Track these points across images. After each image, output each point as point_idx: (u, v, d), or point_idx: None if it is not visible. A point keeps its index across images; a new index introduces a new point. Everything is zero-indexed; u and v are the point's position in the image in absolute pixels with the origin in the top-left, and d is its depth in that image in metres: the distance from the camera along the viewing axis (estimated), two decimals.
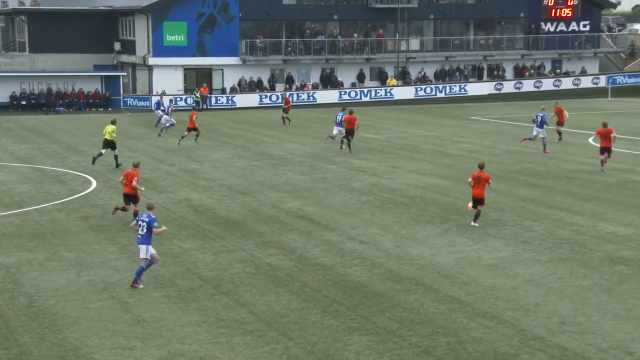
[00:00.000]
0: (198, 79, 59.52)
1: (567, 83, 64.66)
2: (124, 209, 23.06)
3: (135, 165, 23.15)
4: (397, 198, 26.24)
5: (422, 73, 63.60)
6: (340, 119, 36.22)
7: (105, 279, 17.96)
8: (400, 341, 14.26)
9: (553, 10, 67.04)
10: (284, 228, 22.40)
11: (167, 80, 58.32)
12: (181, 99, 57.12)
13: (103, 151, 32.77)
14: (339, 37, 62.18)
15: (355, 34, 62.82)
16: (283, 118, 47.29)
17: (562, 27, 67.32)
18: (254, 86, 59.94)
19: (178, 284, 17.54)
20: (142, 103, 57.62)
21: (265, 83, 60.43)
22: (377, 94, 60.80)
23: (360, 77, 62.40)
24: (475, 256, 19.49)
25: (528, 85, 63.94)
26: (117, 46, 62.49)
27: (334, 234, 21.69)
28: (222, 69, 59.89)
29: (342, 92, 59.41)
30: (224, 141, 40.47)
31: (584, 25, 67.63)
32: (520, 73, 65.88)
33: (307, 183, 28.91)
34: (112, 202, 25.95)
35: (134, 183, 22.44)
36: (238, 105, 57.74)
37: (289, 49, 60.92)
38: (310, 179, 29.83)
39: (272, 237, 21.47)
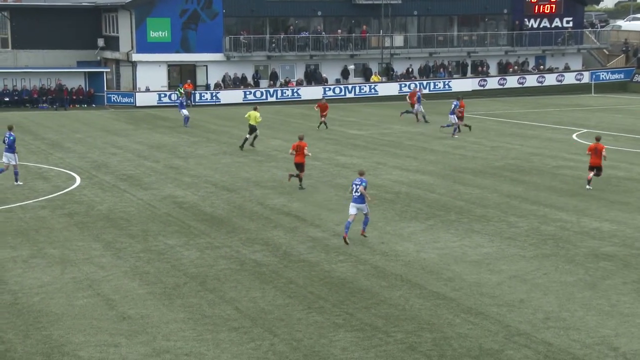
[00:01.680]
0: (182, 75, 59.33)
1: (550, 79, 64.92)
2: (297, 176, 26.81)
3: (301, 138, 27.47)
4: (382, 194, 26.25)
5: (410, 69, 63.60)
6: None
7: (90, 275, 17.88)
8: (386, 337, 14.27)
9: (536, 7, 67.26)
10: (269, 224, 22.37)
11: (151, 76, 58.11)
12: (165, 95, 56.94)
13: (248, 136, 35.83)
14: (323, 33, 62.14)
15: (339, 30, 62.77)
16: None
17: (545, 23, 67.56)
18: (238, 82, 59.81)
19: (163, 280, 17.49)
20: (126, 99, 57.38)
21: (250, 79, 60.31)
22: (362, 90, 60.82)
23: (345, 74, 62.38)
24: (460, 252, 19.54)
25: (512, 82, 64.13)
26: (100, 42, 62.18)
27: (319, 231, 21.69)
28: (206, 66, 59.71)
29: (327, 89, 59.37)
30: (209, 137, 40.38)
31: (567, 22, 67.89)
32: (504, 69, 66.06)
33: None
34: (96, 198, 25.84)
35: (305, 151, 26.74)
36: (222, 102, 57.61)
37: (273, 45, 60.82)
38: None
39: (257, 233, 21.44)
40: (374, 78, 62.37)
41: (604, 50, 69.82)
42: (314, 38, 61.65)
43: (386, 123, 45.81)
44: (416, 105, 45.70)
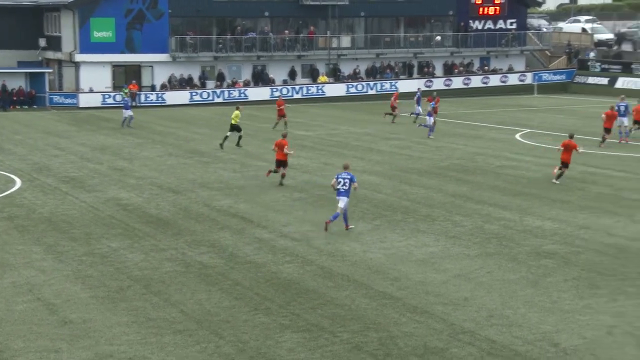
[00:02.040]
0: (127, 76, 58.67)
1: (495, 80, 65.74)
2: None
3: (284, 136, 28.04)
4: (329, 195, 26.27)
5: (357, 70, 63.83)
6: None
7: (30, 280, 17.56)
8: (332, 337, 14.29)
9: (481, 9, 68.07)
10: (215, 226, 22.24)
11: (95, 77, 57.33)
12: (110, 96, 56.26)
13: (228, 134, 36.29)
14: (271, 34, 62.03)
15: (287, 31, 62.75)
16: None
17: (489, 25, 68.40)
18: (185, 83, 59.38)
19: (107, 284, 17.26)
20: (68, 100, 56.54)
21: (196, 80, 59.91)
22: (309, 91, 60.87)
23: (292, 74, 62.36)
24: (406, 252, 19.66)
25: (457, 82, 64.80)
26: (42, 42, 61.19)
27: (265, 232, 21.63)
28: (152, 66, 59.14)
29: (274, 89, 59.28)
30: (154, 139, 40.01)
31: (511, 24, 68.84)
32: (449, 70, 66.72)
33: (239, 181, 28.78)
34: (37, 201, 25.41)
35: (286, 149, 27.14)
36: (168, 103, 57.14)
37: (220, 45, 60.53)
38: (242, 176, 29.70)
39: (203, 235, 21.29)
40: (321, 79, 62.47)
41: (546, 51, 70.96)
42: (262, 39, 61.52)
43: (333, 124, 45.93)
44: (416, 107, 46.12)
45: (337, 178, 21.42)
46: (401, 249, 19.86)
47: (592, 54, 67.25)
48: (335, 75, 63.47)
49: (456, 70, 66.41)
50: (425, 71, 65.79)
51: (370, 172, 30.21)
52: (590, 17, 78.83)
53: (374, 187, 27.51)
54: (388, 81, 63.34)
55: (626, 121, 37.18)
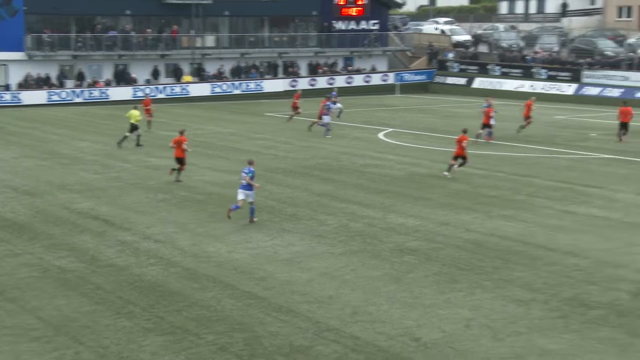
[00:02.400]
0: None
1: (358, 80, 66.78)
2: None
3: (182, 132, 28.52)
4: (193, 196, 26.00)
5: (222, 70, 63.40)
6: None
7: None
8: (197, 339, 14.11)
9: (343, 9, 69.07)
10: (75, 229, 21.57)
11: None
12: None
13: (127, 133, 35.97)
14: (132, 32, 60.77)
15: (149, 30, 61.64)
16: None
17: (352, 25, 69.46)
18: (42, 83, 57.35)
19: None
20: None
21: (54, 79, 57.98)
22: (173, 91, 60.01)
23: (155, 74, 61.32)
24: (272, 251, 19.67)
25: (322, 82, 65.40)
26: None
27: (128, 234, 21.15)
28: (6, 65, 56.80)
29: (136, 89, 58.10)
30: (9, 140, 38.44)
31: (373, 24, 70.16)
32: (314, 70, 67.32)
33: (100, 182, 28.04)
34: None
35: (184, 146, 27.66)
36: (24, 103, 54.96)
37: (79, 44, 58.79)
38: (103, 177, 28.95)
39: (62, 239, 20.60)
40: (185, 78, 61.72)
41: (407, 52, 72.72)
42: (123, 37, 60.18)
43: (197, 124, 45.45)
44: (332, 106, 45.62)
45: (242, 173, 22.42)
46: (267, 249, 19.86)
47: (450, 55, 69.41)
48: (200, 75, 62.86)
49: (320, 70, 67.08)
50: (290, 71, 66.11)
51: (236, 173, 30.00)
52: (448, 19, 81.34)
53: None
54: (253, 81, 63.28)
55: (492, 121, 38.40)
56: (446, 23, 78.63)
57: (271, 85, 63.56)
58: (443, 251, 19.52)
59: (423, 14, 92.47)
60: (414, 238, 20.82)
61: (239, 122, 46.20)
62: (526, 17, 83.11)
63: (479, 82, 64.45)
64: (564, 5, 79.99)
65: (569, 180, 27.85)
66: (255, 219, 22.36)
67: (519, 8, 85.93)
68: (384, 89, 65.98)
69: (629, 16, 74.44)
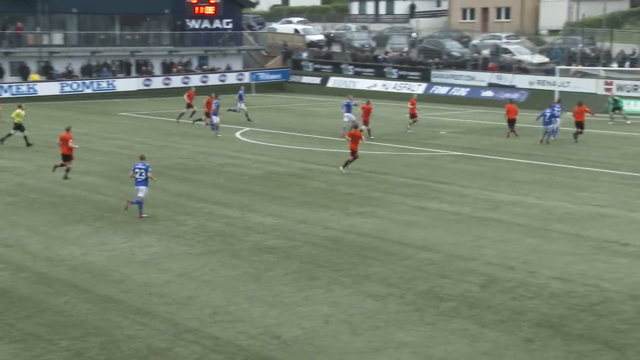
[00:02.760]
0: None
1: (214, 79, 66.36)
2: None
3: (68, 129, 28.54)
4: (45, 198, 25.13)
5: (71, 68, 61.48)
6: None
7: None
8: (49, 346, 13.64)
9: (197, 8, 68.51)
10: None
11: None
12: None
13: (12, 132, 35.86)
14: None
15: None
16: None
17: (206, 24, 69.02)
18: None
19: None
20: None
21: None
22: (19, 90, 57.70)
23: None
24: (129, 253, 19.27)
25: (176, 81, 64.62)
26: None
27: None
28: None
29: None
30: None
31: (227, 23, 69.94)
32: (168, 69, 66.40)
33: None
34: None
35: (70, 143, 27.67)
36: None
37: None
38: None
39: None
40: (32, 77, 59.49)
41: (262, 51, 72.93)
42: None
43: (47, 124, 43.90)
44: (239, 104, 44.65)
45: (134, 169, 22.72)
46: (124, 251, 19.44)
47: (304, 55, 70.10)
48: (48, 73, 60.74)
49: (175, 69, 66.25)
50: (144, 70, 64.94)
51: (89, 173, 29.26)
52: (302, 19, 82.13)
53: (95, 188, 26.69)
54: (105, 80, 61.76)
55: (348, 117, 39.17)
56: (299, 23, 79.36)
57: (124, 84, 62.25)
58: (302, 249, 19.70)
59: (276, 14, 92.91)
60: (273, 236, 20.90)
61: (91, 122, 45.00)
62: (376, 18, 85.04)
63: (334, 82, 65.44)
64: (412, 7, 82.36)
65: (421, 177, 28.71)
66: (145, 215, 22.64)
67: (370, 9, 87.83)
68: (239, 88, 65.76)
69: (472, 18, 77.49)
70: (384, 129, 41.54)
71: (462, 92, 56.71)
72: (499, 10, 75.86)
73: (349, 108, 39.44)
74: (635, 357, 13.11)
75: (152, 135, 40.02)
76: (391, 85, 61.77)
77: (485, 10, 76.90)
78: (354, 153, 29.46)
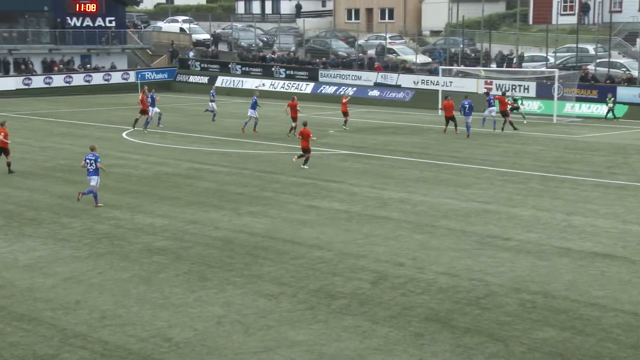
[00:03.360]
0: None
1: (97, 78, 64.96)
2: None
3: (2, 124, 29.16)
4: None
5: None
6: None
7: None
8: None
9: (78, 5, 66.90)
10: None
11: None
12: None
13: None
14: None
15: None
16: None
17: (88, 22, 67.46)
18: None
19: None
20: None
21: None
22: None
23: None
24: (11, 257, 18.63)
25: (58, 80, 62.95)
26: None
27: None
28: None
29: None
30: None
31: (110, 22, 68.54)
32: (49, 68, 64.53)
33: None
34: None
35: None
36: None
37: None
38: None
39: None
40: None
41: (147, 50, 71.80)
42: None
43: None
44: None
45: (85, 159, 23.74)
46: (5, 255, 18.77)
47: (191, 54, 69.41)
48: None
49: (56, 68, 64.44)
50: (23, 68, 62.90)
51: None
52: (187, 18, 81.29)
53: None
54: None
55: (253, 113, 39.88)
56: (184, 21, 78.54)
57: (2, 83, 60.27)
58: (193, 250, 19.50)
59: (161, 12, 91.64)
60: (163, 237, 20.61)
61: None
62: (263, 17, 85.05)
63: (221, 81, 65.06)
64: (298, 7, 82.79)
65: (311, 176, 28.88)
66: (100, 204, 23.64)
67: (256, 8, 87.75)
68: (125, 88, 64.71)
69: (357, 18, 78.51)
70: (272, 128, 41.61)
71: (350, 91, 57.37)
72: (383, 11, 77.11)
73: (254, 105, 39.89)
74: (518, 348, 13.56)
75: (33, 136, 38.84)
76: (279, 85, 61.91)
77: (369, 11, 78.04)
78: (305, 151, 30.01)
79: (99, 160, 23.75)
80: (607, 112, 46.20)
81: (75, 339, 13.97)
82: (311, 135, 30.25)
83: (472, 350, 13.51)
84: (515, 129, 40.41)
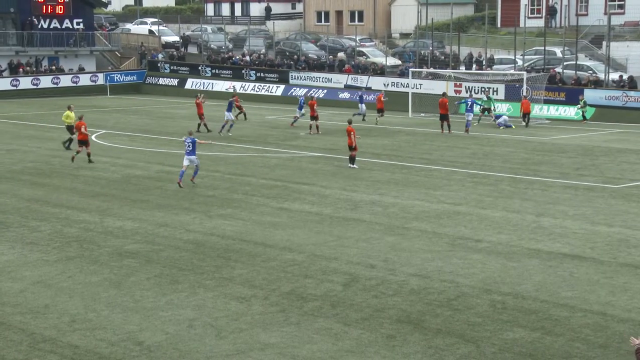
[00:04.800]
0: None
1: (66, 80, 64.37)
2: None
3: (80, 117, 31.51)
4: None
5: None
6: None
7: None
8: None
9: (44, 7, 66.30)
10: None
11: None
12: None
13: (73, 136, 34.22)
14: None
15: None
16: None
17: (55, 24, 66.87)
18: None
19: None
20: None
21: None
22: None
23: None
24: None
25: (25, 83, 62.29)
26: None
27: None
28: None
29: None
30: None
31: (78, 23, 68.00)
32: (15, 70, 63.84)
33: None
34: None
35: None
36: None
37: None
38: None
39: None
40: None
41: (116, 52, 71.32)
42: None
43: None
44: None
45: (185, 142, 27.20)
46: None
47: (160, 56, 69.05)
48: None
49: (22, 70, 63.78)
50: None
51: None
52: (156, 20, 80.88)
53: None
54: None
55: (229, 115, 40.28)
56: (153, 24, 78.11)
57: None
58: (163, 253, 19.39)
59: (130, 14, 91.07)
60: (133, 241, 20.47)
61: None
62: (232, 20, 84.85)
63: (191, 83, 64.80)
64: (268, 9, 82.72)
65: (282, 178, 28.85)
66: (195, 181, 27.04)
67: (225, 10, 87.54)
68: (94, 90, 64.24)
69: (327, 21, 78.61)
70: (242, 131, 41.53)
71: (320, 93, 57.41)
72: (352, 13, 77.26)
73: (230, 107, 40.70)
74: (489, 349, 13.64)
75: (0, 139, 38.39)
76: (250, 87, 61.79)
77: (339, 14, 78.16)
78: (351, 148, 30.42)
79: (196, 141, 27.04)
80: (582, 115, 46.55)
81: (44, 343, 13.84)
82: (354, 133, 30.48)
83: (444, 351, 13.57)
84: (449, 131, 40.93)
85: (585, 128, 44.23)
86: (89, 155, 31.46)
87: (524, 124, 44.43)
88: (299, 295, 16.33)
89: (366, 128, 43.05)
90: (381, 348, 13.71)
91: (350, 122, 31.42)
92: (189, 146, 26.89)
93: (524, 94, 46.68)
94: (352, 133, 30.33)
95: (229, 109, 40.44)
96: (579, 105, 46.54)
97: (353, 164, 30.77)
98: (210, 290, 16.63)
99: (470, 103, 41.91)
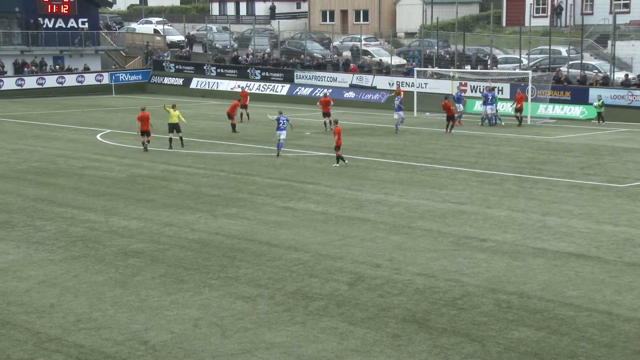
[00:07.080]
0: None
1: (71, 80, 64.50)
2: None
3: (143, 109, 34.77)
4: None
5: None
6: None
7: None
8: None
9: (50, 6, 66.41)
10: None
11: None
12: None
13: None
14: None
15: None
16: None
17: (61, 23, 66.97)
18: None
19: None
20: None
21: None
22: None
23: None
24: None
25: (30, 82, 62.43)
26: None
27: None
28: None
29: None
30: None
31: (83, 23, 68.09)
32: (20, 69, 63.96)
33: None
34: None
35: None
36: None
37: None
38: None
39: None
40: None
41: (122, 52, 71.40)
42: None
43: None
44: None
45: (278, 120, 32.43)
46: None
47: (165, 55, 69.10)
48: None
49: (28, 70, 63.89)
50: None
51: None
52: (161, 19, 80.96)
53: None
54: None
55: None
56: (159, 23, 78.20)
57: None
58: (169, 252, 19.40)
59: (135, 14, 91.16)
60: (139, 240, 20.49)
61: None
62: (237, 19, 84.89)
63: (196, 83, 64.86)
64: (273, 8, 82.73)
65: (287, 177, 28.85)
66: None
67: (230, 10, 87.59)
68: (99, 90, 64.36)
69: (331, 20, 78.60)
70: (247, 130, 41.53)
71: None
72: (357, 12, 77.25)
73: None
74: (494, 348, 13.62)
75: (5, 138, 38.49)
76: (255, 87, 61.79)
77: (344, 13, 78.16)
78: (338, 148, 30.49)
79: (288, 120, 32.66)
80: (599, 115, 45.80)
81: (49, 342, 13.85)
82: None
83: (449, 350, 13.55)
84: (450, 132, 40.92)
85: (590, 127, 44.12)
86: (146, 143, 34.68)
87: (517, 123, 44.00)
88: (305, 295, 16.32)
89: (370, 128, 42.97)
90: (386, 347, 13.70)
91: (336, 122, 31.27)
92: (283, 123, 32.30)
93: (523, 91, 46.39)
94: (339, 133, 30.41)
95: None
96: (595, 104, 46.00)
97: (338, 163, 30.77)
98: (215, 290, 16.63)
99: (490, 97, 42.34)
